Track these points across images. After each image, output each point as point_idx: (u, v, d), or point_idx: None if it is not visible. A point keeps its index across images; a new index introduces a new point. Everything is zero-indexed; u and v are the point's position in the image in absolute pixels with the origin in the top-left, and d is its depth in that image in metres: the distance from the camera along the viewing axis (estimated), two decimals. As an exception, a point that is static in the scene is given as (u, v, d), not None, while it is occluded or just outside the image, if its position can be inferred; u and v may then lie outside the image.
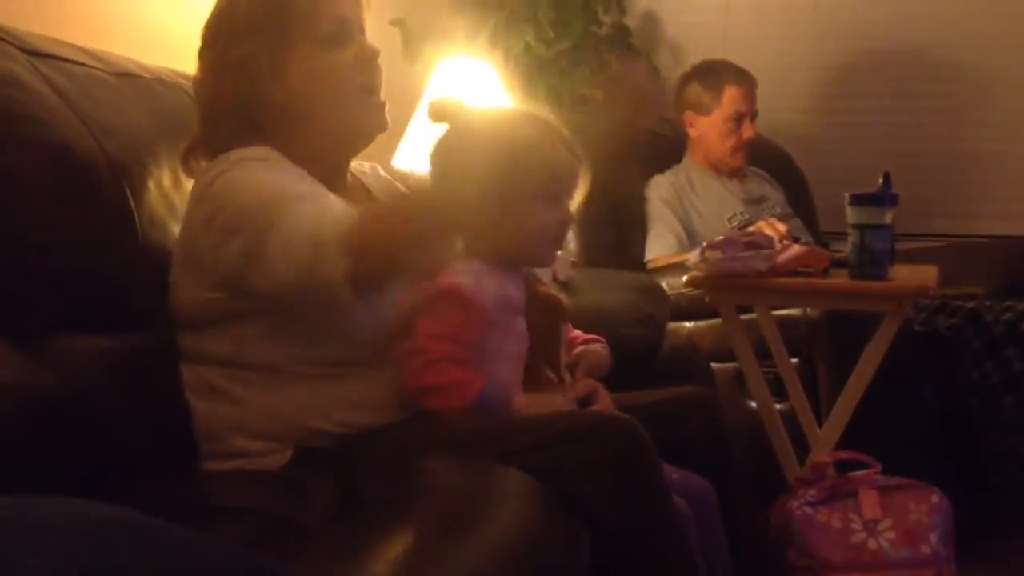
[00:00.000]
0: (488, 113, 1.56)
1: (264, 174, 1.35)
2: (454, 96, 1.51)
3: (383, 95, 1.51)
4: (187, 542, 0.56)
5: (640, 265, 2.77)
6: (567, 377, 1.54)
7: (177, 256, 1.43)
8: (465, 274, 1.43)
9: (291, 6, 1.43)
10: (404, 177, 1.72)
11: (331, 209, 1.29)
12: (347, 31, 1.46)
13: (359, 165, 1.61)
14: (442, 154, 1.47)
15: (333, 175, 1.49)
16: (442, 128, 1.47)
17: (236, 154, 1.39)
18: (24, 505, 0.55)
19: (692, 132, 2.95)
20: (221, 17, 1.46)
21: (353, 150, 1.54)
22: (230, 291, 1.36)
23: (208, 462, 1.42)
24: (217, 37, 1.45)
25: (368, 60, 1.48)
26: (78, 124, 1.44)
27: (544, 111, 1.52)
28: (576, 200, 1.49)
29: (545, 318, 1.50)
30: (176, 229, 1.50)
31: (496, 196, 1.41)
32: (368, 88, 1.48)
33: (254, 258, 1.29)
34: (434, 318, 1.40)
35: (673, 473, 1.45)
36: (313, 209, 1.27)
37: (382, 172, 1.68)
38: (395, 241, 1.24)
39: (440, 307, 1.41)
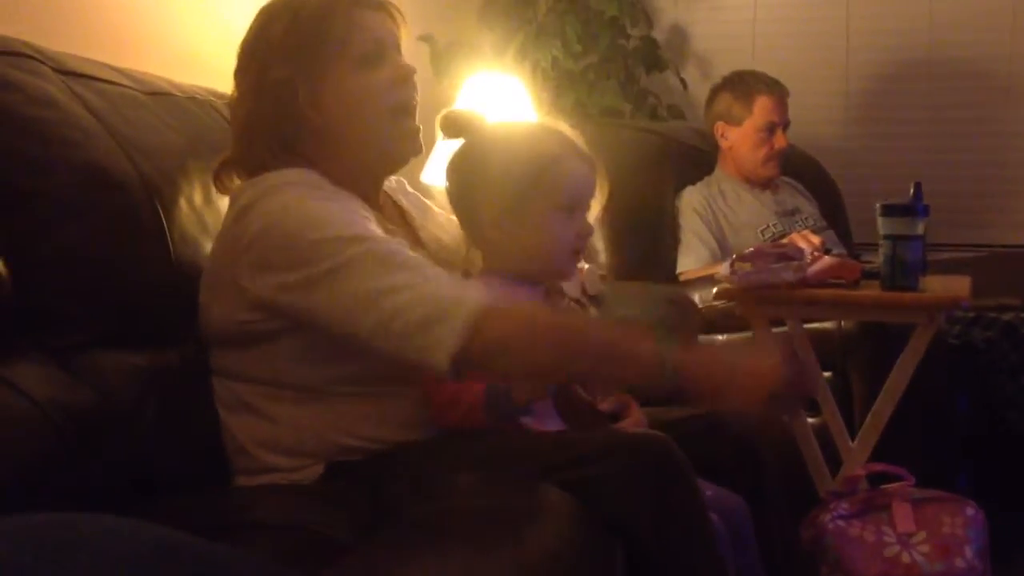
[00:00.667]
0: (503, 127, 1.57)
1: (322, 204, 1.34)
2: (468, 110, 1.53)
3: (417, 115, 1.50)
4: (221, 559, 0.56)
5: (672, 278, 2.76)
6: (597, 393, 1.54)
7: (208, 277, 1.43)
8: (483, 289, 1.42)
9: (326, 28, 1.43)
10: (428, 192, 1.72)
11: (460, 286, 1.29)
12: (382, 51, 1.46)
13: (387, 181, 1.61)
14: (458, 169, 1.48)
15: (367, 195, 1.48)
16: (457, 142, 1.48)
17: (276, 177, 1.38)
18: (58, 523, 0.56)
19: (724, 143, 2.94)
20: (257, 39, 1.46)
21: (387, 172, 1.54)
22: (269, 312, 1.35)
23: (240, 477, 1.43)
24: (252, 59, 1.45)
25: (404, 80, 1.47)
26: (112, 144, 1.46)
27: (559, 123, 1.52)
28: (594, 210, 1.49)
29: None
30: (207, 246, 1.51)
31: (515, 209, 1.41)
32: (402, 110, 1.47)
33: (324, 290, 1.27)
34: None
35: (707, 490, 1.44)
36: (433, 283, 1.25)
37: (408, 187, 1.69)
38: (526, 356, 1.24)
39: None
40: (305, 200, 1.34)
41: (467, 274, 1.48)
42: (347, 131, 1.45)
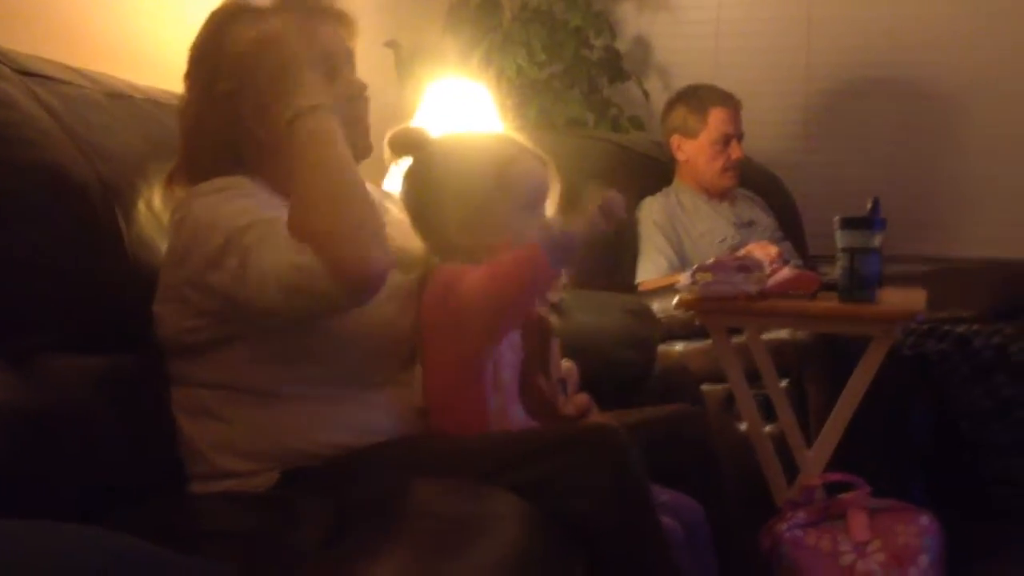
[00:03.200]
0: (455, 137, 1.59)
1: (237, 201, 1.35)
2: (412, 127, 1.53)
3: (371, 118, 1.50)
4: (181, 569, 0.56)
5: (630, 287, 2.77)
6: (559, 392, 1.55)
7: (159, 287, 1.43)
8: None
9: (275, 44, 1.40)
10: (390, 198, 1.72)
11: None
12: (333, 66, 1.45)
13: None
14: (417, 180, 1.49)
15: None
16: (406, 160, 1.49)
17: (210, 184, 1.39)
18: (14, 532, 0.55)
19: (680, 155, 2.96)
20: (207, 46, 1.46)
21: None
22: (214, 318, 1.36)
23: (195, 483, 1.42)
24: (201, 66, 1.45)
25: (354, 97, 1.47)
26: (70, 146, 1.44)
27: (503, 129, 1.54)
28: (549, 209, 1.51)
29: (534, 332, 1.51)
30: (164, 249, 1.50)
31: (479, 213, 1.42)
32: (351, 124, 1.45)
33: (239, 282, 1.29)
34: None
35: (662, 494, 1.45)
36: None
37: (371, 189, 1.68)
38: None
39: None
40: (222, 202, 1.35)
41: (424, 280, 1.48)
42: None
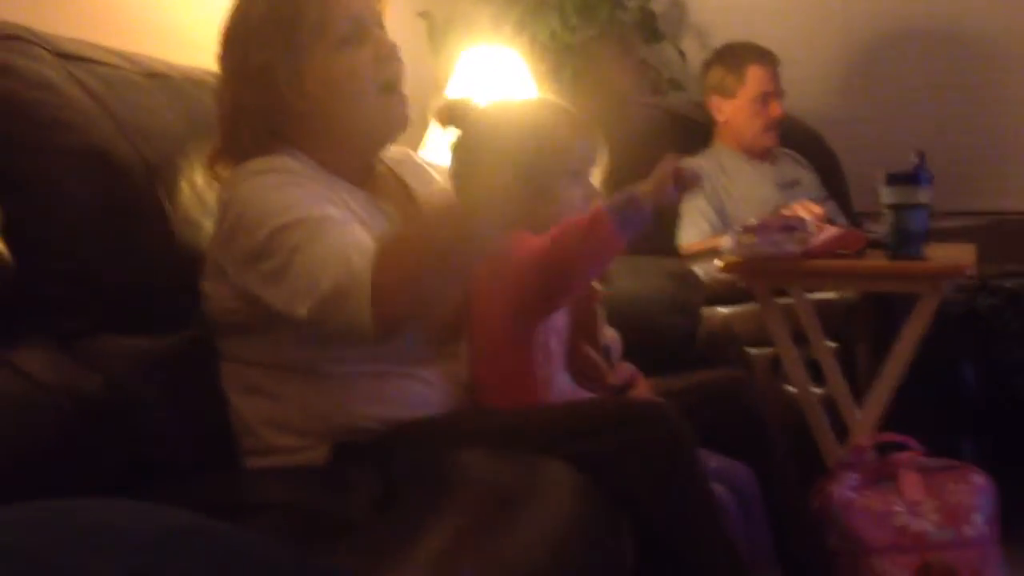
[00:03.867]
0: (500, 105, 1.57)
1: (287, 191, 1.35)
2: (459, 98, 1.52)
3: (407, 89, 1.49)
4: (239, 542, 0.56)
5: (672, 251, 2.75)
6: (603, 360, 1.54)
7: (207, 264, 1.43)
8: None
9: (303, 10, 1.41)
10: (436, 169, 1.71)
11: (356, 245, 1.28)
12: (362, 29, 1.44)
13: (392, 153, 1.59)
14: (464, 149, 1.47)
15: (359, 173, 1.49)
16: (452, 131, 1.48)
17: (256, 164, 1.39)
18: (75, 508, 0.56)
19: (720, 116, 2.93)
20: (236, 23, 1.45)
21: (374, 149, 1.53)
22: (251, 303, 1.36)
23: (248, 458, 1.43)
24: (232, 44, 1.45)
25: (387, 58, 1.46)
26: (112, 126, 1.45)
27: (550, 95, 1.53)
28: (597, 176, 1.50)
29: (580, 299, 1.50)
30: (209, 227, 1.51)
31: (523, 181, 1.42)
32: (387, 86, 1.46)
33: (273, 283, 1.29)
34: None
35: (712, 460, 1.45)
36: (338, 242, 1.27)
37: (417, 158, 1.67)
38: (420, 278, 1.27)
39: None
40: (269, 189, 1.35)
41: None
42: (332, 113, 1.43)
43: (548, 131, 1.44)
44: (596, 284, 1.55)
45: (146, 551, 0.52)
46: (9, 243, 1.31)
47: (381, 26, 1.48)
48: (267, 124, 1.43)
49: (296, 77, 1.41)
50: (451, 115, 1.48)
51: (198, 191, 1.53)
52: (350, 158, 1.47)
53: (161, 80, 1.62)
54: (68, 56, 1.49)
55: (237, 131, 1.43)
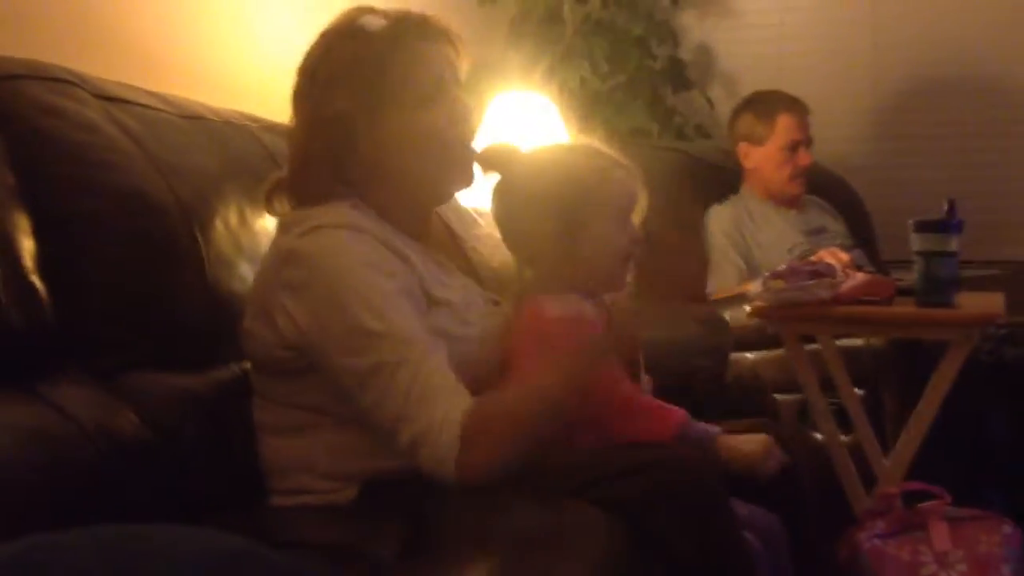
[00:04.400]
0: (543, 150, 1.57)
1: (371, 277, 1.34)
2: (502, 143, 1.53)
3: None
4: (292, 568, 0.57)
5: (699, 296, 2.75)
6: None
7: (252, 305, 1.43)
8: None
9: (387, 64, 1.41)
10: (478, 213, 1.72)
11: (460, 396, 1.30)
12: (443, 88, 1.44)
13: None
14: (507, 193, 1.48)
15: (417, 225, 1.49)
16: (494, 176, 1.49)
17: (324, 216, 1.37)
18: (130, 533, 0.57)
19: (748, 163, 2.94)
20: (318, 65, 1.44)
21: (437, 203, 1.54)
22: (298, 353, 1.36)
23: (275, 498, 1.43)
24: (313, 87, 1.43)
25: (463, 119, 1.46)
26: (150, 168, 1.48)
27: (591, 139, 1.54)
28: (637, 218, 1.51)
29: (623, 350, 1.50)
30: (243, 267, 1.53)
31: (570, 225, 1.43)
32: (460, 147, 1.46)
33: (353, 378, 1.31)
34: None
35: (741, 508, 1.44)
36: (424, 382, 1.29)
37: (460, 204, 1.68)
38: (512, 446, 1.29)
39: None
40: (351, 263, 1.34)
41: (519, 294, 1.49)
42: (402, 167, 1.43)
43: (590, 176, 1.45)
44: (637, 331, 1.55)
45: (205, 573, 0.53)
46: (49, 280, 1.33)
47: (458, 82, 1.48)
48: (335, 169, 1.42)
49: (373, 129, 1.41)
50: (494, 160, 1.49)
51: (233, 232, 1.56)
52: (412, 210, 1.48)
53: (199, 122, 1.65)
54: (109, 98, 1.53)
55: (305, 172, 1.43)
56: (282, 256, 1.38)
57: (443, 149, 1.44)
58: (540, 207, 1.44)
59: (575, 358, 1.35)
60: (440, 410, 1.27)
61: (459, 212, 1.65)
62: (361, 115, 1.40)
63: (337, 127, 1.41)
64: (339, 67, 1.42)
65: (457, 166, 1.47)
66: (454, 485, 1.26)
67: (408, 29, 1.44)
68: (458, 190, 1.53)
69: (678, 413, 1.43)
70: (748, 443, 1.45)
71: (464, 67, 1.50)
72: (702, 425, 1.44)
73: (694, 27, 3.54)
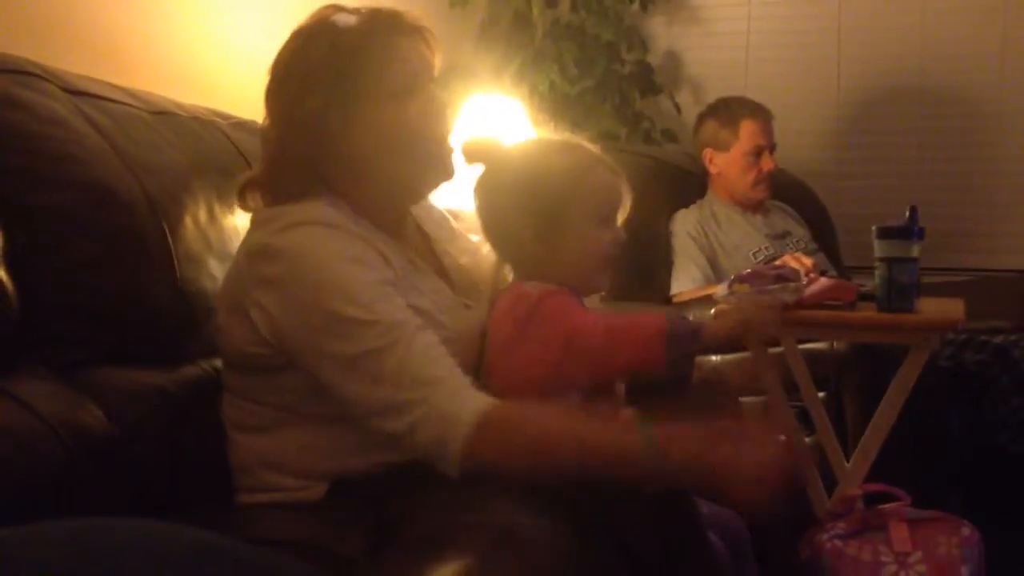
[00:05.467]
0: (528, 145, 1.56)
1: (349, 269, 1.32)
2: (486, 136, 1.53)
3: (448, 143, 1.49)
4: (261, 562, 0.57)
5: (665, 299, 2.77)
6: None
7: (224, 301, 1.42)
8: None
9: (363, 60, 1.41)
10: (455, 215, 1.72)
11: (461, 399, 1.28)
12: (417, 83, 1.44)
13: None
14: (490, 189, 1.47)
15: (394, 222, 1.49)
16: (477, 168, 1.49)
17: (299, 213, 1.36)
18: (101, 527, 0.57)
19: (713, 169, 2.97)
20: (291, 63, 1.43)
21: (414, 201, 1.54)
22: (274, 350, 1.34)
23: (242, 495, 1.43)
24: (286, 84, 1.42)
25: (438, 115, 1.46)
26: (118, 163, 1.47)
27: (578, 138, 1.53)
28: (620, 219, 1.49)
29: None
30: (212, 264, 1.52)
31: (554, 222, 1.42)
32: (435, 142, 1.46)
33: (340, 369, 1.29)
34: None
35: (703, 507, 1.45)
36: (440, 395, 1.27)
37: (435, 205, 1.67)
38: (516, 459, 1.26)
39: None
40: (330, 257, 1.33)
41: (494, 295, 1.48)
42: (377, 163, 1.43)
43: (571, 173, 1.44)
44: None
45: (172, 568, 0.53)
46: (13, 274, 1.32)
47: (432, 78, 1.48)
48: (311, 167, 1.42)
49: (347, 125, 1.40)
50: (477, 152, 1.49)
51: (201, 228, 1.55)
52: (388, 207, 1.47)
53: (167, 118, 1.64)
54: (76, 92, 1.51)
55: (280, 169, 1.42)
56: (257, 252, 1.36)
57: (418, 144, 1.44)
58: (521, 202, 1.43)
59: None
60: (445, 391, 1.26)
61: (431, 214, 1.65)
62: (335, 111, 1.40)
63: (311, 124, 1.40)
64: (312, 64, 1.41)
65: (432, 162, 1.47)
66: (451, 469, 1.24)
67: (380, 25, 1.44)
68: (435, 187, 1.52)
69: (657, 324, 1.36)
70: (736, 311, 1.43)
71: (437, 63, 1.49)
72: (684, 322, 1.40)
73: (663, 33, 3.58)
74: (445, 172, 1.49)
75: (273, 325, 1.33)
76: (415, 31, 1.47)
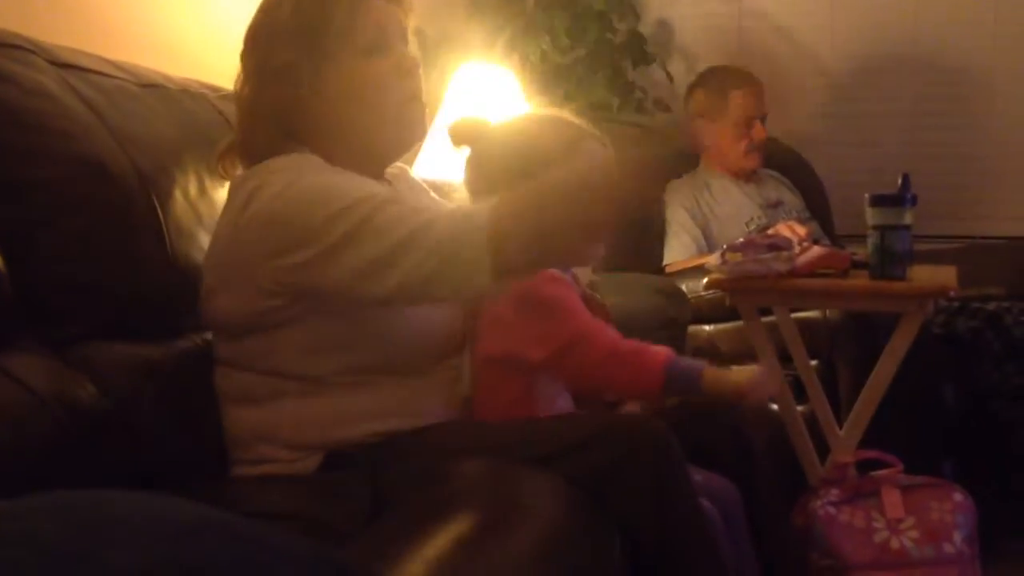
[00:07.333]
0: (516, 120, 1.56)
1: (329, 177, 1.34)
2: (472, 116, 1.53)
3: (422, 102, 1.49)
4: (258, 534, 0.57)
5: (658, 269, 2.78)
6: None
7: (213, 266, 1.42)
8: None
9: (330, 15, 1.42)
10: (434, 186, 1.72)
11: (463, 214, 1.27)
12: (387, 40, 1.45)
13: (389, 167, 1.59)
14: (481, 164, 1.48)
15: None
16: (465, 150, 1.49)
17: (276, 163, 1.38)
18: (95, 499, 0.56)
19: (704, 139, 2.96)
20: (262, 23, 1.46)
21: (390, 159, 1.54)
22: (288, 298, 1.34)
23: (237, 467, 1.43)
24: (257, 43, 1.45)
25: (408, 73, 1.46)
26: (107, 136, 1.46)
27: (562, 111, 1.53)
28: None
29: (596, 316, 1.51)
30: (203, 238, 1.52)
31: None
32: (407, 99, 1.46)
33: (341, 252, 1.27)
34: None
35: (696, 475, 1.46)
36: (441, 223, 1.26)
37: (412, 174, 1.68)
38: (536, 235, 1.26)
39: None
40: (305, 177, 1.34)
41: None
42: (349, 119, 1.44)
43: (558, 148, 1.44)
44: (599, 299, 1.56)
45: (164, 541, 0.53)
46: (3, 249, 1.32)
47: (406, 40, 1.49)
48: (283, 124, 1.43)
49: (317, 79, 1.41)
50: (464, 134, 1.49)
51: (192, 202, 1.54)
52: (363, 164, 1.47)
53: (156, 91, 1.63)
54: (64, 64, 1.49)
55: (253, 130, 1.44)
56: (239, 208, 1.35)
57: (388, 101, 1.45)
58: (510, 179, 1.43)
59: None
60: (447, 209, 1.26)
61: (410, 184, 1.65)
62: (305, 66, 1.41)
63: (282, 79, 1.41)
64: (281, 20, 1.43)
65: (404, 119, 1.47)
66: (484, 258, 1.22)
67: None
68: (407, 148, 1.53)
69: (662, 355, 1.39)
70: (738, 373, 1.43)
71: (410, 24, 1.50)
72: (687, 361, 1.42)
73: (654, 2, 3.55)
74: (416, 132, 1.50)
75: (278, 264, 1.31)
76: None
